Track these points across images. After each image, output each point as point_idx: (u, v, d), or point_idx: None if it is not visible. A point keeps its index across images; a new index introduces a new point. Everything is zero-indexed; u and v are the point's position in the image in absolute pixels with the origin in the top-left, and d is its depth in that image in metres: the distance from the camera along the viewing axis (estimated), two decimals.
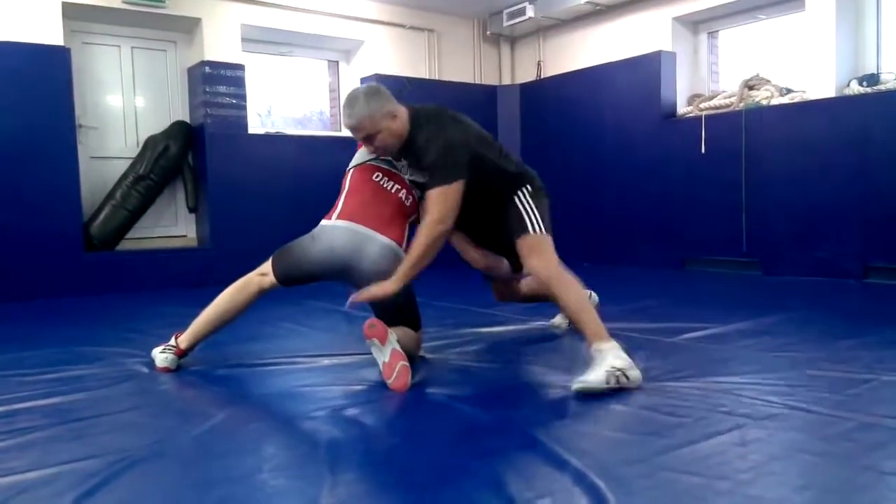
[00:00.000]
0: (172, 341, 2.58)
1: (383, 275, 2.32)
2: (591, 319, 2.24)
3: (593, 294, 3.00)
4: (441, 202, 2.28)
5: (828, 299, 3.91)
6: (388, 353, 2.20)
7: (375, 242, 2.43)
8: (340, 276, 2.54)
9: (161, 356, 2.53)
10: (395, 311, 2.41)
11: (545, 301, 2.76)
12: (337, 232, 2.47)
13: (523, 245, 2.45)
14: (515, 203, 2.50)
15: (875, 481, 1.43)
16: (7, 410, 2.04)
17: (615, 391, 2.03)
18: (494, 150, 2.52)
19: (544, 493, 1.37)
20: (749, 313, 3.29)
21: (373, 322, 2.24)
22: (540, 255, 2.41)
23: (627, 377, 2.07)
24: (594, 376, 2.05)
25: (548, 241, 2.46)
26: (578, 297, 2.33)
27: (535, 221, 2.47)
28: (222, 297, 2.59)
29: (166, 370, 2.50)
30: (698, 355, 2.54)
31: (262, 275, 2.58)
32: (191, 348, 2.59)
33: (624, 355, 2.13)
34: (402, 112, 2.41)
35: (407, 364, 2.20)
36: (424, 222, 2.32)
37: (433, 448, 1.67)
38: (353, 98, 2.38)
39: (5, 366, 2.63)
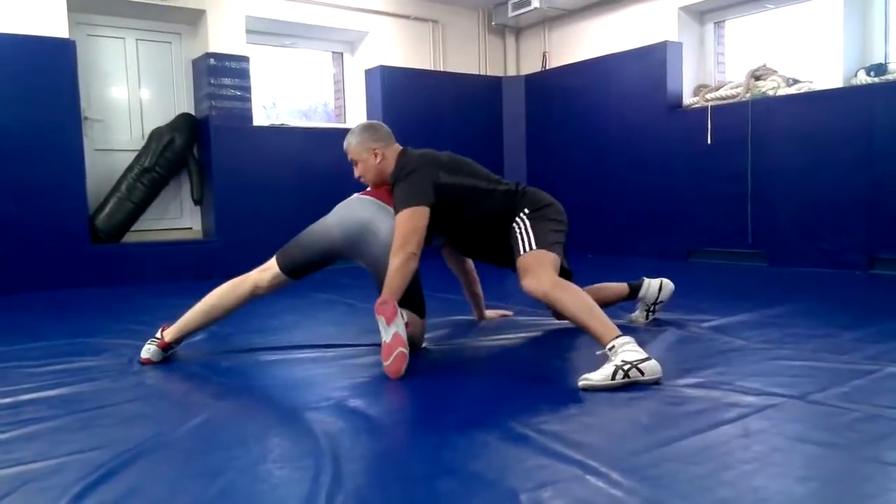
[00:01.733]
0: (158, 334, 2.56)
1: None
2: (598, 319, 2.21)
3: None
4: (401, 225, 2.39)
5: (833, 290, 3.89)
6: (390, 333, 2.20)
7: (392, 217, 2.49)
8: (353, 250, 2.55)
9: (145, 347, 2.52)
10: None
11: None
12: (359, 201, 2.60)
13: (518, 268, 2.49)
14: (513, 229, 2.57)
15: (878, 472, 1.43)
16: (13, 402, 2.06)
17: (623, 386, 2.03)
18: (482, 179, 2.63)
19: (546, 484, 1.37)
20: (754, 304, 3.28)
21: (385, 300, 2.26)
22: (532, 274, 2.40)
23: (641, 371, 2.01)
24: (599, 373, 2.02)
25: (539, 257, 2.45)
26: (579, 302, 2.28)
27: (527, 241, 2.49)
28: (213, 293, 2.58)
29: (148, 362, 2.49)
30: (702, 346, 2.53)
31: (263, 271, 2.57)
32: (176, 342, 2.57)
33: (637, 348, 2.08)
34: (391, 152, 2.63)
35: (406, 352, 2.20)
36: (392, 250, 2.37)
37: (435, 439, 1.68)
38: (353, 127, 2.72)
39: (12, 357, 2.65)
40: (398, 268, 2.33)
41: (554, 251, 2.49)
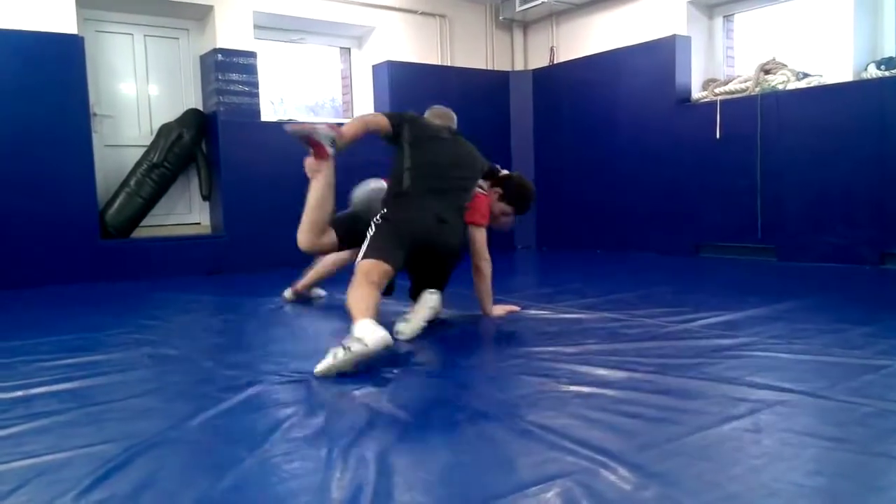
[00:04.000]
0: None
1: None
2: (356, 307, 2.43)
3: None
4: None
5: (843, 285, 3.87)
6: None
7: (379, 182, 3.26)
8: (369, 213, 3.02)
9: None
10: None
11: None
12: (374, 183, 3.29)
13: None
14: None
15: (889, 467, 1.42)
16: (25, 395, 2.07)
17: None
18: (415, 160, 2.90)
19: (554, 478, 1.37)
20: (763, 300, 3.27)
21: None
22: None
23: (365, 343, 2.19)
24: (328, 358, 2.21)
25: (357, 274, 2.65)
26: (353, 297, 2.53)
27: (359, 253, 2.74)
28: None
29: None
30: (711, 342, 2.52)
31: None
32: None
33: (369, 327, 2.25)
34: None
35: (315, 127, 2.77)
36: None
37: (443, 433, 1.68)
38: None
39: (23, 351, 2.67)
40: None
41: (370, 259, 2.68)
